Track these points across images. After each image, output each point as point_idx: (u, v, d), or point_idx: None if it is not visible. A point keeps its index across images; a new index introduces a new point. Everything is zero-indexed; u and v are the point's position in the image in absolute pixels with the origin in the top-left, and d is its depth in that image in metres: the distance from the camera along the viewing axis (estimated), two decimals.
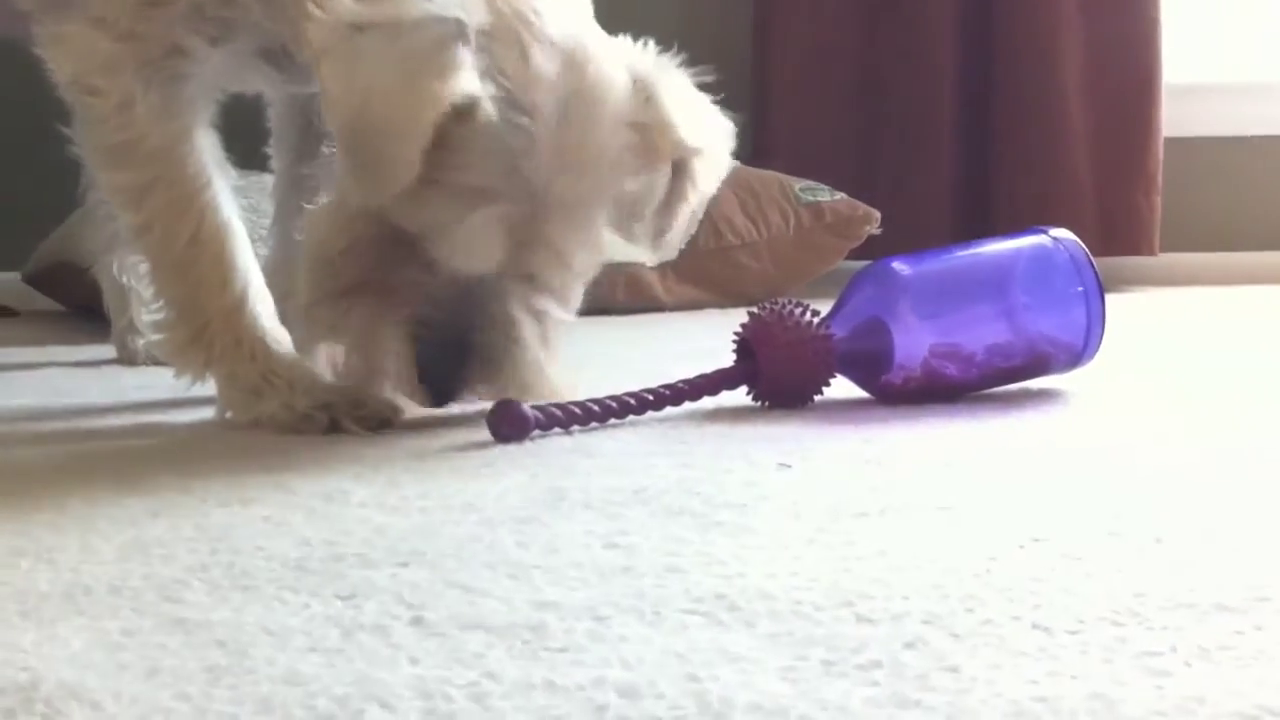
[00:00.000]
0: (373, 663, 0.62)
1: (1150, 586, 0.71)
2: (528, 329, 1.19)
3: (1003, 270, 1.33)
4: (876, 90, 2.82)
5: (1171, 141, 2.81)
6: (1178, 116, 2.83)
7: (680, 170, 1.23)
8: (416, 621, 0.68)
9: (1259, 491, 0.95)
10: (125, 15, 1.21)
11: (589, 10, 1.23)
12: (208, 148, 1.27)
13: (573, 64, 1.14)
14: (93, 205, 1.82)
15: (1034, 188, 2.77)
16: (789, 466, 1.04)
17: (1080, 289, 1.30)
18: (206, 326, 1.26)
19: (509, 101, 1.12)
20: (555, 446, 1.14)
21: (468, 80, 1.09)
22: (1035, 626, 0.65)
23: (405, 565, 0.78)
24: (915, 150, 2.80)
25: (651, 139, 1.18)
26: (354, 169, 1.13)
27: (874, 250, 2.54)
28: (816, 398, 1.30)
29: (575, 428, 1.19)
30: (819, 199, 2.57)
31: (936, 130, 2.80)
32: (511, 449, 1.13)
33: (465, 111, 1.09)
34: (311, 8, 1.12)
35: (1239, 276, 2.81)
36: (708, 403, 1.28)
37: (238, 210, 1.29)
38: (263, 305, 1.29)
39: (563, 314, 1.22)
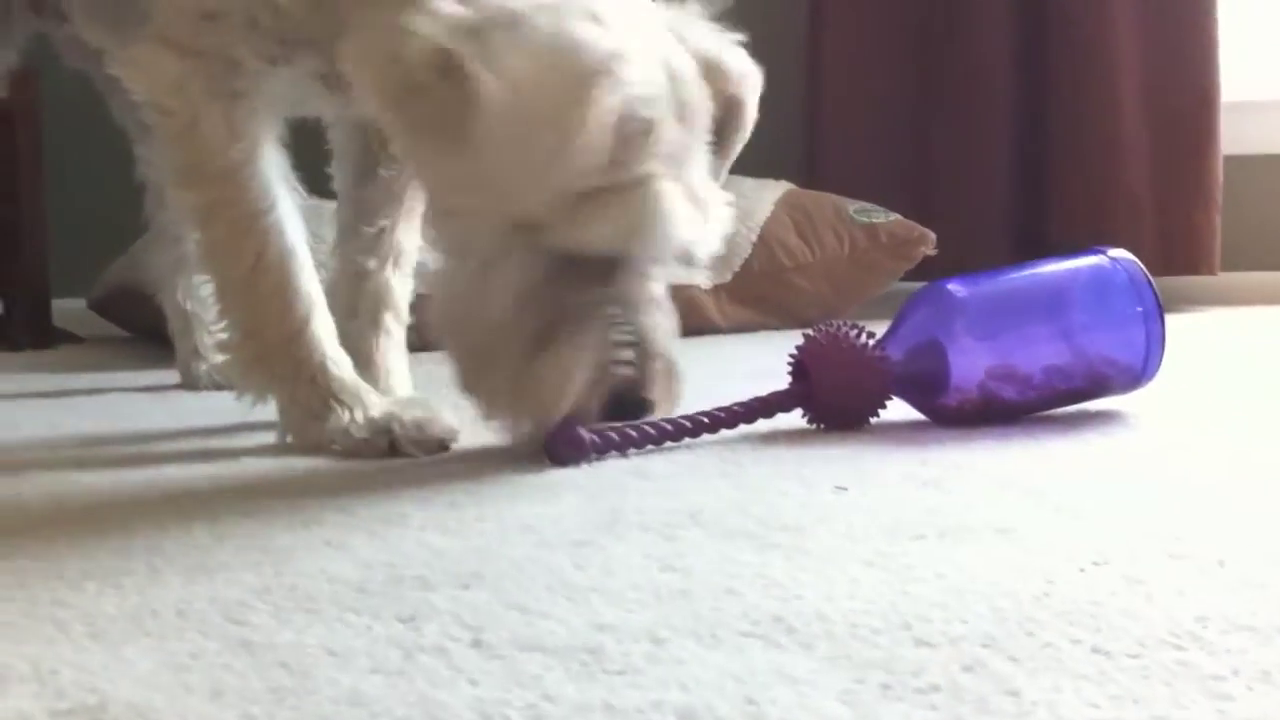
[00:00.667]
0: (434, 684, 0.63)
1: (1212, 609, 0.70)
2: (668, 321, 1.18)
3: (1060, 291, 1.32)
4: (931, 111, 2.81)
5: (1231, 159, 2.78)
6: (1237, 133, 2.81)
7: (732, 105, 1.21)
8: (476, 643, 0.69)
9: None
10: (187, 30, 1.23)
11: None
12: (274, 167, 1.28)
13: (650, 35, 1.14)
14: (158, 230, 1.85)
15: (1091, 207, 2.75)
16: (845, 489, 1.04)
17: (1139, 309, 1.29)
18: (267, 349, 1.28)
19: (639, 79, 1.10)
20: (610, 469, 1.15)
21: (609, 42, 1.07)
22: (1095, 650, 0.65)
23: (465, 587, 0.79)
24: (971, 171, 2.79)
25: (712, 80, 1.17)
26: (519, 171, 1.08)
27: (929, 271, 2.53)
28: (872, 420, 1.30)
29: (631, 451, 1.19)
30: (874, 220, 2.56)
31: (992, 151, 2.79)
32: (567, 471, 1.13)
33: (617, 77, 1.07)
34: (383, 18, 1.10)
35: None
36: (762, 424, 1.28)
37: (303, 232, 1.30)
38: (325, 329, 1.30)
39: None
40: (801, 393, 1.27)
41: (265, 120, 1.28)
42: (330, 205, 1.52)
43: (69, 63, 1.81)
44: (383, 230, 1.45)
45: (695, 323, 2.42)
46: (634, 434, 1.19)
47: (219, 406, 1.63)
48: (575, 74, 1.06)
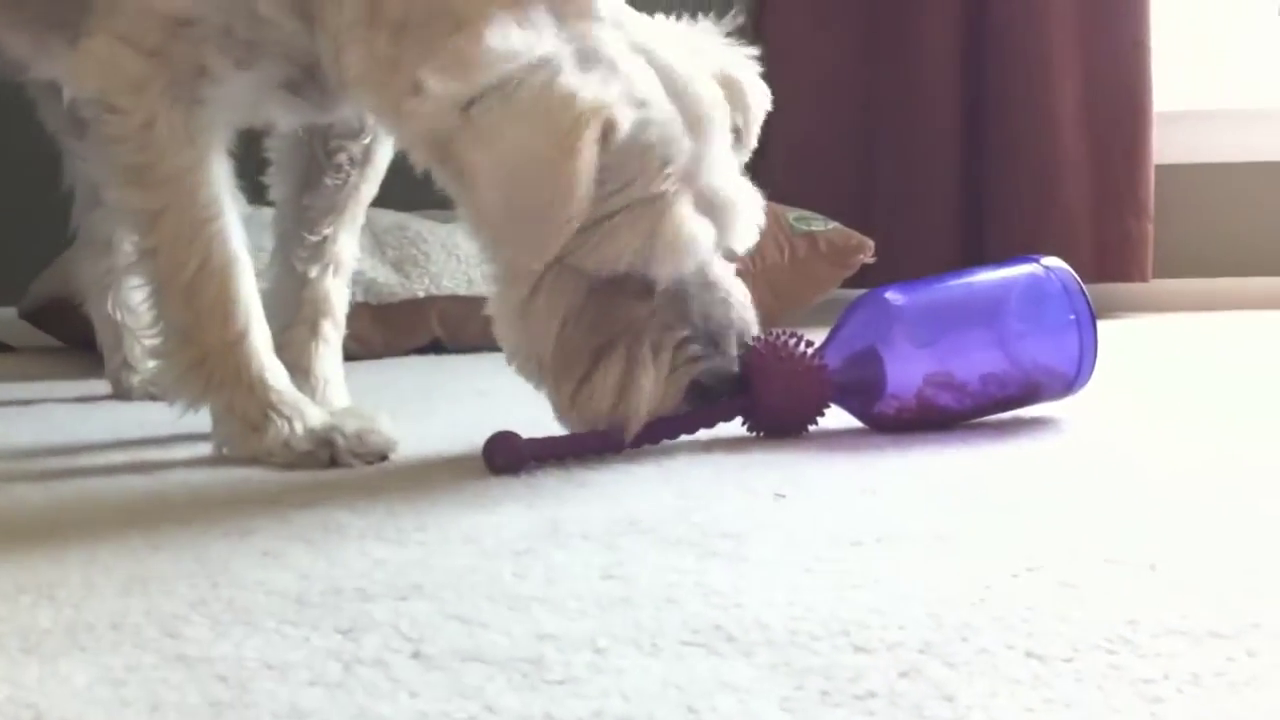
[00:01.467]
0: (373, 696, 0.63)
1: (1144, 614, 0.71)
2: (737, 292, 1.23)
3: (995, 299, 1.34)
4: (874, 121, 2.83)
5: (1162, 168, 2.83)
6: (1169, 144, 2.85)
7: (742, 119, 1.26)
8: (416, 655, 0.69)
9: (1253, 518, 0.95)
10: (154, 32, 1.22)
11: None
12: (222, 176, 1.28)
13: (652, 53, 1.17)
14: (86, 238, 1.82)
15: (1028, 215, 2.78)
16: (784, 496, 1.04)
17: (1073, 317, 1.31)
18: (206, 356, 1.27)
19: (638, 107, 1.13)
20: (550, 478, 1.15)
21: (597, 91, 1.10)
22: (1030, 655, 0.66)
23: (404, 599, 0.79)
24: (911, 180, 2.81)
25: (728, 92, 1.22)
26: (526, 237, 1.13)
27: (869, 279, 2.55)
28: (810, 428, 1.30)
29: (570, 459, 1.19)
30: (813, 228, 2.58)
31: (933, 160, 2.81)
32: (507, 481, 1.13)
33: (610, 124, 1.10)
34: (362, 32, 1.16)
35: (1230, 302, 2.83)
36: (702, 432, 1.29)
37: (245, 242, 1.30)
38: (262, 339, 1.29)
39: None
40: (742, 403, 1.27)
41: (220, 127, 1.28)
42: (267, 213, 1.51)
43: None
44: (325, 239, 1.45)
45: None
46: (573, 442, 1.20)
47: (152, 418, 1.61)
48: (559, 133, 1.08)
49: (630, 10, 1.22)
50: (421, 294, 2.30)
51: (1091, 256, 2.72)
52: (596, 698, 0.62)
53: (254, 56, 1.24)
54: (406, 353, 2.31)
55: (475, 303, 2.26)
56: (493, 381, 1.51)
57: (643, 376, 1.17)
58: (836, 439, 1.29)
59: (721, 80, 1.22)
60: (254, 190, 1.38)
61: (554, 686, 0.64)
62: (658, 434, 1.24)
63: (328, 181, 1.45)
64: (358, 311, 2.26)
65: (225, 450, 1.28)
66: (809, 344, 1.28)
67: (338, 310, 1.46)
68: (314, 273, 1.44)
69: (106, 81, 1.24)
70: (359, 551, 0.91)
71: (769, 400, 1.26)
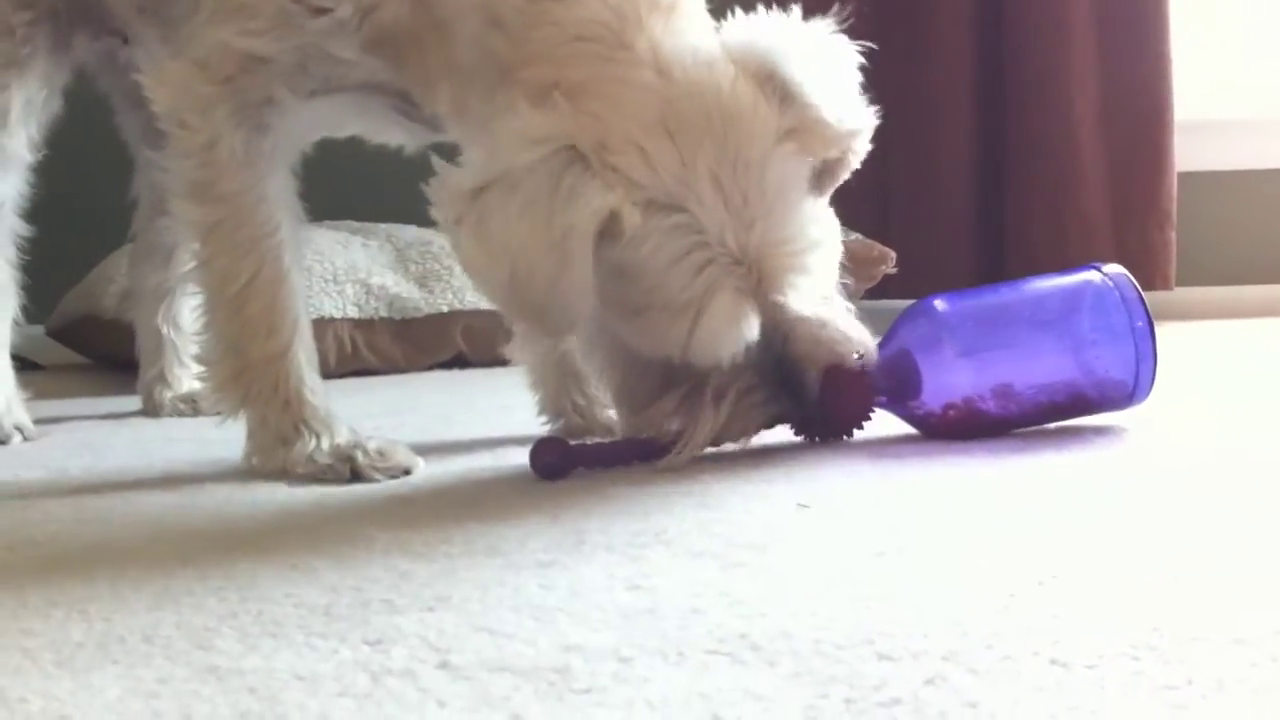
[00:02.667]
0: (402, 706, 0.64)
1: (1167, 621, 0.71)
2: (832, 319, 1.23)
3: (1050, 307, 1.33)
4: (892, 133, 2.83)
5: (1184, 176, 2.82)
6: (1190, 152, 2.85)
7: (829, 163, 1.22)
8: (444, 665, 0.69)
9: (1274, 524, 0.95)
10: (228, 64, 1.25)
11: (690, 15, 1.18)
12: (281, 195, 1.31)
13: (696, 125, 1.11)
14: (146, 248, 1.84)
15: (1049, 225, 2.78)
16: (807, 507, 1.05)
17: (1134, 326, 1.29)
18: (248, 368, 1.29)
19: (655, 206, 1.10)
20: (574, 489, 1.15)
21: (598, 197, 1.08)
22: (1054, 662, 0.66)
23: (431, 610, 0.80)
24: (930, 190, 2.82)
25: (810, 138, 1.17)
26: (526, 325, 1.17)
27: (890, 291, 2.56)
28: (857, 432, 1.31)
29: (611, 464, 1.22)
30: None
31: (951, 170, 2.82)
32: (531, 494, 1.14)
33: (615, 227, 1.09)
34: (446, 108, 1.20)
35: (1254, 309, 2.82)
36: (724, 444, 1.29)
37: (300, 260, 1.33)
38: (307, 355, 1.31)
39: (839, 297, 1.25)
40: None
41: (284, 150, 1.31)
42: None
43: (100, 85, 1.81)
44: None
45: None
46: (620, 450, 1.23)
47: (181, 434, 1.63)
48: (552, 239, 1.07)
49: (706, 39, 1.16)
50: (445, 309, 2.31)
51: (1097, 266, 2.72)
52: (622, 707, 0.62)
53: (332, 87, 1.27)
54: (430, 368, 2.32)
55: (500, 318, 2.29)
56: (516, 397, 1.52)
57: (704, 423, 1.19)
58: (859, 449, 1.29)
59: (800, 124, 1.15)
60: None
61: (579, 696, 0.64)
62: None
63: None
64: (380, 327, 2.29)
65: (253, 462, 1.30)
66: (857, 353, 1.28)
67: None
68: None
69: (178, 100, 1.28)
70: (385, 565, 0.91)
71: (820, 406, 1.26)
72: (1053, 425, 1.33)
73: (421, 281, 2.34)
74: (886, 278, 2.58)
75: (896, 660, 0.67)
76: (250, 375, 1.29)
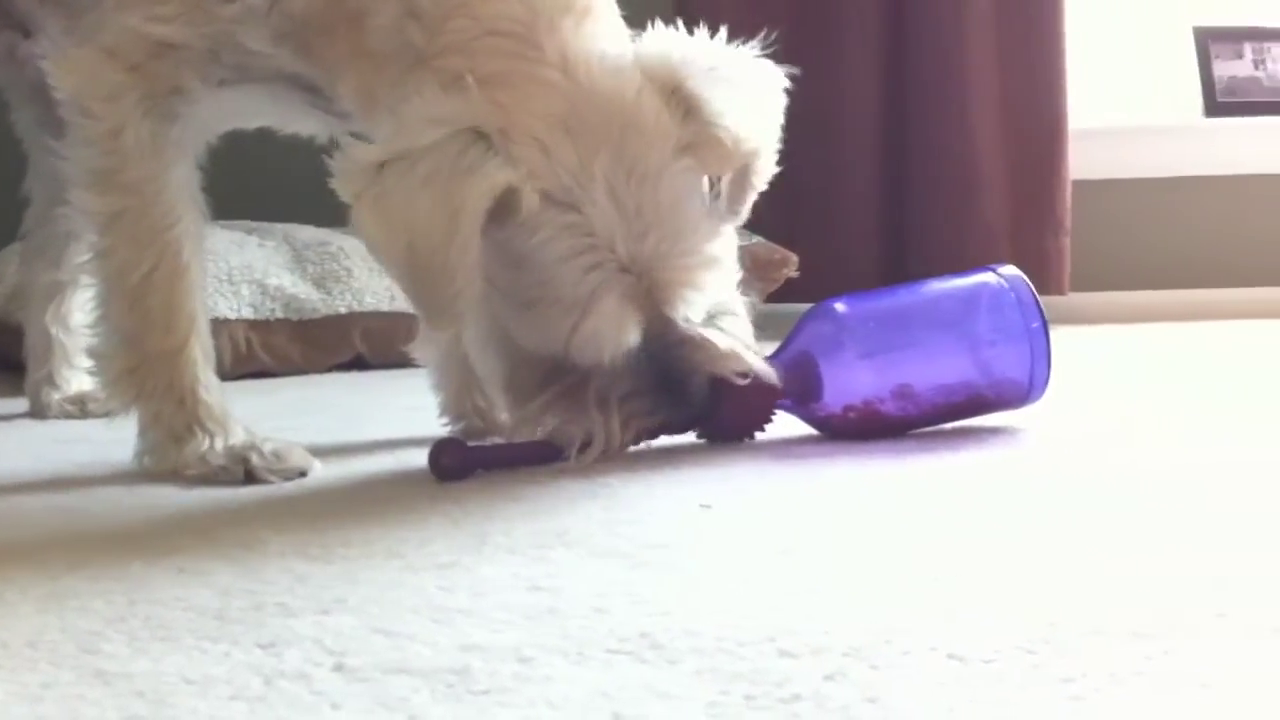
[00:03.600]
0: (296, 709, 0.62)
1: (1064, 615, 0.72)
2: (717, 338, 1.21)
3: (947, 308, 1.34)
4: (796, 140, 2.85)
5: (1078, 184, 2.88)
6: (1085, 160, 2.90)
7: (740, 170, 1.21)
8: (339, 668, 0.68)
9: (1172, 521, 0.97)
10: (137, 51, 1.22)
11: (603, 20, 1.18)
12: (185, 187, 1.28)
13: (596, 128, 1.12)
14: (38, 247, 1.79)
15: (949, 231, 2.81)
16: (709, 507, 1.05)
17: (1029, 326, 1.31)
18: (143, 363, 1.26)
19: (550, 201, 1.11)
20: (477, 491, 1.14)
21: (497, 172, 1.08)
22: (952, 656, 0.66)
23: (327, 613, 0.78)
24: (834, 196, 2.84)
25: (706, 154, 1.17)
26: (418, 304, 1.14)
27: (793, 294, 2.57)
28: (758, 435, 1.31)
29: (511, 466, 1.20)
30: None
31: (854, 176, 2.84)
32: (433, 496, 1.13)
33: (511, 208, 1.08)
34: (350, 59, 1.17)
35: (1145, 314, 2.88)
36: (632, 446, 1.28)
37: (201, 253, 1.30)
38: (203, 351, 1.28)
39: (734, 305, 1.24)
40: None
41: (189, 139, 1.28)
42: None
43: None
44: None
45: None
46: (520, 451, 1.22)
47: (69, 435, 1.59)
48: (447, 209, 1.07)
49: (617, 46, 1.16)
50: (344, 310, 2.28)
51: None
52: (523, 707, 0.62)
53: (243, 77, 1.25)
54: (328, 370, 2.29)
55: (399, 319, 2.27)
56: (418, 398, 1.50)
57: (597, 426, 1.18)
58: (762, 450, 1.29)
59: (699, 140, 1.15)
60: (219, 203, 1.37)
61: (480, 697, 0.63)
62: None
63: None
64: (277, 327, 2.25)
65: (145, 461, 1.27)
66: (760, 355, 1.28)
67: None
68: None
69: (84, 87, 1.25)
70: (280, 567, 0.89)
71: (723, 410, 1.26)
72: (950, 425, 1.34)
73: (319, 282, 2.30)
74: (789, 281, 2.60)
75: (798, 657, 0.67)
76: (145, 370, 1.26)
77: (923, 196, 2.85)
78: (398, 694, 0.64)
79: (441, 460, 1.18)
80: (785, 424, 1.32)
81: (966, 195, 2.82)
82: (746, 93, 1.20)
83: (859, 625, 0.71)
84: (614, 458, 1.20)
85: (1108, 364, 2.16)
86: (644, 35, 1.20)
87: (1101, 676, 0.63)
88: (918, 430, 1.32)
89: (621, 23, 1.22)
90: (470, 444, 1.24)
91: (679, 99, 1.15)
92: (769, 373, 1.25)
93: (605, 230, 1.12)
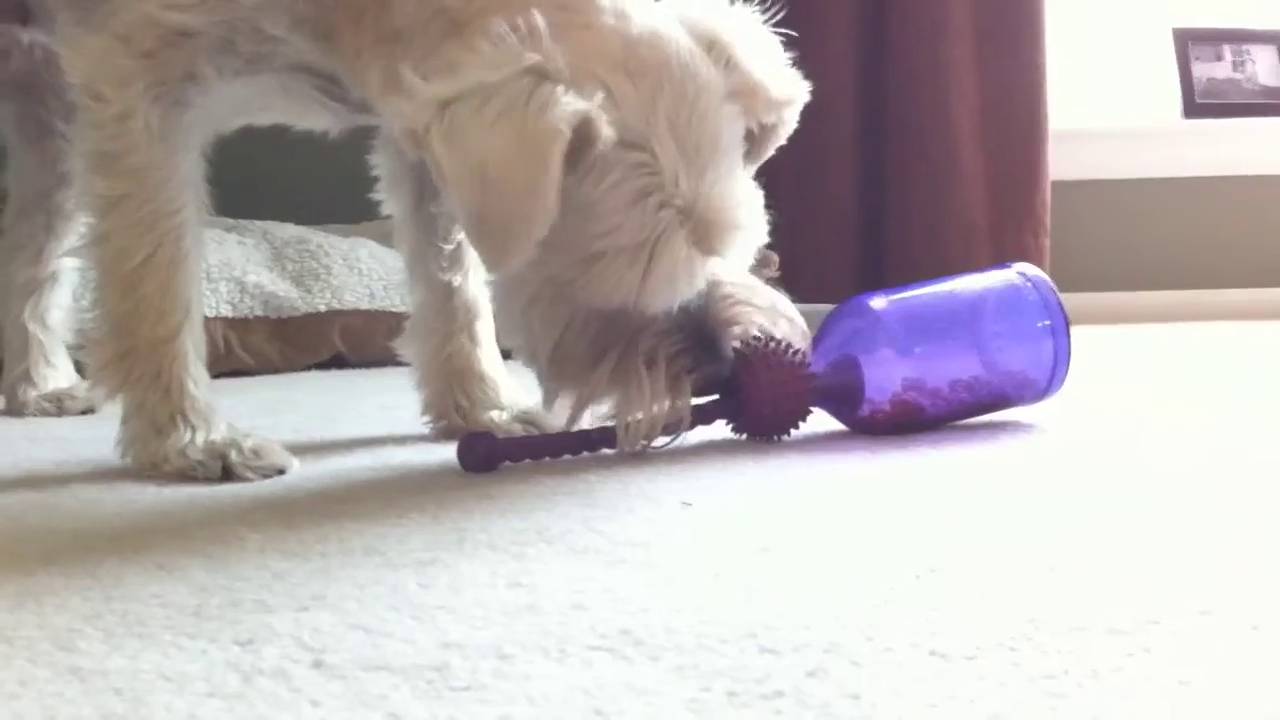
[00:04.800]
0: (273, 706, 0.62)
1: (1044, 612, 0.72)
2: (756, 313, 1.24)
3: (972, 306, 1.36)
4: None
5: (1058, 185, 2.89)
6: (1065, 161, 2.91)
7: (766, 128, 1.25)
8: (318, 665, 0.67)
9: (1150, 519, 0.97)
10: (151, 38, 1.22)
11: None
12: (190, 176, 1.27)
13: (654, 69, 1.13)
14: (15, 244, 1.78)
15: (929, 232, 2.83)
16: (691, 505, 1.05)
17: (1047, 324, 1.34)
18: (133, 349, 1.25)
19: (619, 142, 1.11)
20: (455, 488, 1.14)
21: (573, 103, 1.08)
22: (933, 653, 0.66)
23: (305, 609, 0.77)
24: (814, 197, 2.85)
25: (749, 100, 1.20)
26: (486, 240, 1.12)
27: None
28: (793, 431, 1.32)
29: (545, 459, 1.23)
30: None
31: (835, 177, 2.85)
32: (413, 494, 1.12)
33: (582, 151, 1.08)
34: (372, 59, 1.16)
35: (1125, 315, 2.89)
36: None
37: (201, 244, 1.29)
38: (195, 343, 1.27)
39: (770, 273, 1.26)
40: (730, 406, 1.28)
41: (198, 129, 1.27)
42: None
43: None
44: (459, 244, 1.43)
45: None
46: (547, 443, 1.25)
47: (46, 433, 1.58)
48: (527, 143, 1.07)
49: (646, 8, 1.18)
50: (323, 308, 2.27)
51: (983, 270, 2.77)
52: (502, 704, 0.61)
53: (257, 68, 1.24)
54: (307, 368, 2.28)
55: (379, 317, 2.27)
56: (396, 397, 1.50)
57: (637, 390, 1.19)
58: (741, 448, 1.29)
59: (742, 88, 1.19)
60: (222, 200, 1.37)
61: (459, 694, 0.63)
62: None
63: None
64: (255, 326, 2.25)
65: (125, 454, 1.25)
66: (797, 351, 1.29)
67: (485, 311, 1.46)
68: (458, 280, 1.44)
69: (94, 72, 1.24)
70: (258, 564, 0.89)
71: (755, 405, 1.27)
72: (930, 424, 1.35)
73: (298, 280, 2.30)
74: (769, 281, 2.60)
75: (779, 653, 0.67)
76: (134, 357, 1.25)
77: (903, 197, 2.85)
78: (376, 691, 0.63)
79: (470, 454, 1.20)
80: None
81: (947, 195, 2.83)
82: (773, 48, 1.25)
83: (840, 622, 0.71)
84: (660, 432, 1.21)
85: (1087, 365, 2.17)
86: (663, 2, 1.22)
87: (1083, 673, 0.63)
88: (915, 428, 1.33)
89: None
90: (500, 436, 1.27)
91: (718, 51, 1.19)
92: (805, 351, 1.28)
93: (670, 169, 1.13)
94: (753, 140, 1.24)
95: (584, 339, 1.20)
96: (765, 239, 1.24)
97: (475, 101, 1.08)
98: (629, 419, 1.21)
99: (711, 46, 1.19)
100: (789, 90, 1.24)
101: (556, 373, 1.23)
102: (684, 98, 1.14)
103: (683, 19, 1.19)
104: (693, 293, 1.18)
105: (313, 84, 1.27)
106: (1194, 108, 3.07)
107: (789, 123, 1.26)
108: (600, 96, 1.10)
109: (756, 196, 1.22)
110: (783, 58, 1.25)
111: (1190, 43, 3.11)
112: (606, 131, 1.09)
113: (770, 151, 1.27)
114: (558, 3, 1.13)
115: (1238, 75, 3.10)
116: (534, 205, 1.07)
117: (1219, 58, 3.11)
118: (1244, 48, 3.12)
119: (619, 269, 1.13)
